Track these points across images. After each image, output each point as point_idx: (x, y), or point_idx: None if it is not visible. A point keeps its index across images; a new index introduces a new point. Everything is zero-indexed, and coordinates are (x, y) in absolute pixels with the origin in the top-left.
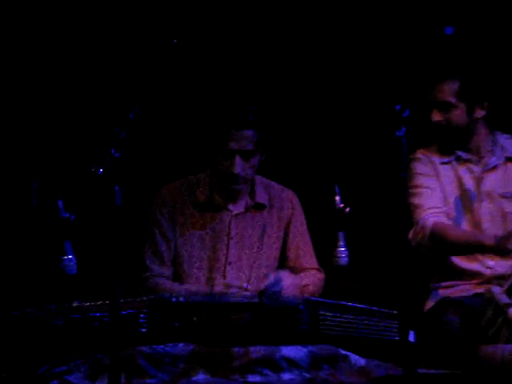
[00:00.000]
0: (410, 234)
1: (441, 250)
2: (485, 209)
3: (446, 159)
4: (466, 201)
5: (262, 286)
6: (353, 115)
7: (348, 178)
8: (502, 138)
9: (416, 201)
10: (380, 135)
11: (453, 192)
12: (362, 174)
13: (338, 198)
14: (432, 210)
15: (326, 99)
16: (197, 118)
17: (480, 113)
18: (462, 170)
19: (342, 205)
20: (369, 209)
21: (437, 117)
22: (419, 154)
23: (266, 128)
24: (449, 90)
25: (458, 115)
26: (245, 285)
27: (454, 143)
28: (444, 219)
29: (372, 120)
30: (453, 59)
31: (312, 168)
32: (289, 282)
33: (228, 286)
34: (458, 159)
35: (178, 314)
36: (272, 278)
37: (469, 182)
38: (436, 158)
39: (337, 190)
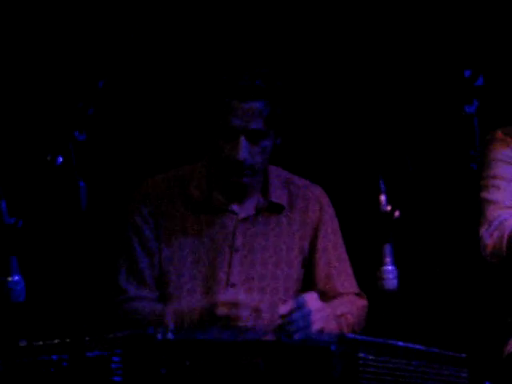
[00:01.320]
0: (481, 238)
1: None
2: None
3: None
4: None
5: (277, 314)
6: (405, 84)
7: (398, 171)
8: None
9: (491, 196)
10: (443, 111)
11: None
12: (418, 166)
13: (383, 197)
14: None
15: (367, 60)
16: (189, 88)
17: None
18: None
19: (390, 207)
20: (426, 213)
21: None
22: (499, 135)
23: (282, 99)
24: None
25: None
26: (259, 303)
27: None
28: None
29: (432, 91)
30: None
31: (348, 158)
32: (316, 308)
33: (233, 306)
34: None
35: (164, 357)
36: (292, 303)
37: None
38: None
39: (382, 187)
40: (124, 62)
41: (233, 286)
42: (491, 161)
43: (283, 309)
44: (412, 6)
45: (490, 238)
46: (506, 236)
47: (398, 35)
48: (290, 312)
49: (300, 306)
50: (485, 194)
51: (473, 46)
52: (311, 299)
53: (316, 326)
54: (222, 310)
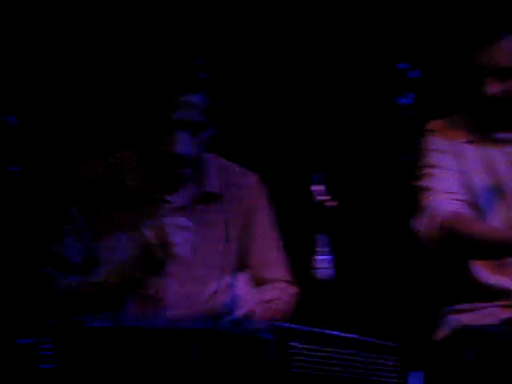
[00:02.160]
0: (413, 220)
1: (454, 246)
2: None
3: (472, 137)
4: (501, 195)
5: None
6: (341, 75)
7: (332, 162)
8: None
9: (425, 183)
10: (379, 103)
11: (483, 181)
12: (352, 157)
13: (318, 187)
14: (447, 195)
15: (303, 51)
16: (126, 76)
17: None
18: (495, 152)
19: (325, 197)
20: (360, 203)
21: (494, 88)
22: (436, 126)
23: (221, 91)
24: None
25: None
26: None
27: (504, 120)
28: (463, 209)
29: (367, 82)
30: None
31: (285, 147)
32: (244, 292)
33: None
34: (490, 139)
35: (95, 345)
36: (227, 298)
37: (504, 169)
38: (459, 134)
39: (316, 177)
40: (61, 49)
41: (167, 275)
42: (427, 151)
43: (218, 307)
44: None
45: (423, 224)
46: (437, 223)
47: (335, 26)
48: (224, 312)
49: (232, 305)
50: (420, 182)
51: (409, 39)
52: (240, 283)
53: (243, 310)
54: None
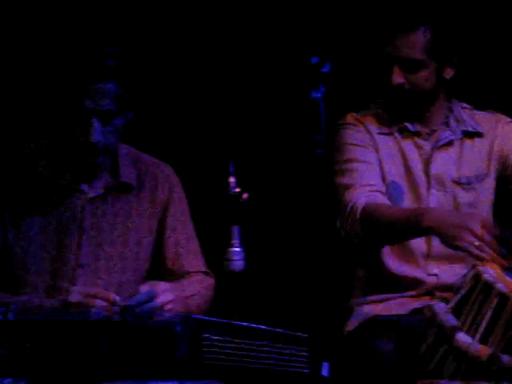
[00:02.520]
0: (338, 221)
1: (374, 235)
2: (434, 198)
3: (385, 129)
4: (410, 185)
5: (131, 301)
6: (254, 68)
7: (246, 154)
8: (459, 107)
9: (346, 180)
10: (291, 96)
11: (395, 172)
12: (265, 149)
13: (232, 179)
14: (366, 188)
15: (216, 43)
16: (38, 63)
17: (449, 73)
18: (407, 144)
19: (238, 189)
20: (273, 196)
21: (398, 78)
22: (351, 119)
23: (133, 78)
24: (418, 44)
25: (426, 76)
26: (115, 297)
27: (409, 112)
28: (380, 198)
29: (280, 76)
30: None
31: (199, 139)
32: (168, 297)
33: (88, 296)
34: (402, 130)
35: (3, 338)
36: (145, 290)
37: (416, 162)
38: (373, 127)
39: (231, 169)
40: None
41: (81, 266)
42: (344, 145)
43: (133, 299)
44: None
45: (346, 221)
46: (357, 217)
47: (248, 21)
48: (140, 303)
49: (151, 293)
50: (340, 179)
51: (320, 33)
52: (162, 286)
53: (159, 300)
54: (75, 296)
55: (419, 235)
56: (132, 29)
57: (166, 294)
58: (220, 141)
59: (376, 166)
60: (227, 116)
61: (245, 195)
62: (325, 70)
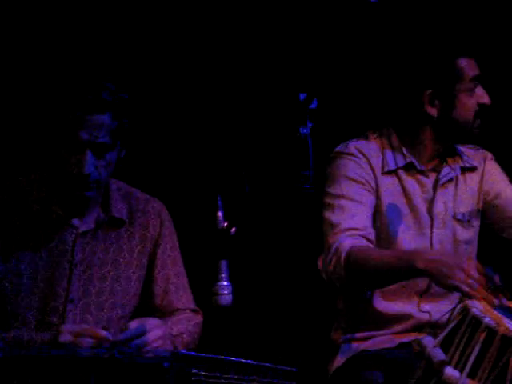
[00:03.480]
0: (320, 262)
1: (359, 278)
2: (436, 236)
3: (391, 166)
4: (415, 225)
5: (120, 336)
6: (243, 105)
7: (235, 189)
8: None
9: (334, 218)
10: (278, 132)
11: (397, 211)
12: (254, 185)
13: (220, 213)
14: (353, 232)
15: (209, 77)
16: (32, 94)
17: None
18: (410, 183)
19: (226, 223)
20: (262, 231)
21: (486, 98)
22: (353, 150)
23: (128, 113)
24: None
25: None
26: (106, 334)
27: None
28: (365, 243)
29: (269, 112)
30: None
31: (187, 174)
32: (158, 334)
33: (78, 335)
34: (408, 168)
35: None
36: (134, 326)
37: (419, 201)
38: (376, 163)
39: (219, 203)
40: None
41: (71, 301)
42: (341, 177)
43: (123, 335)
44: (252, 29)
45: (328, 263)
46: (342, 260)
47: (236, 58)
48: (130, 339)
49: (140, 329)
50: (328, 214)
51: (307, 70)
52: (152, 322)
53: (148, 338)
54: (65, 337)
55: (410, 277)
56: (129, 63)
57: (155, 331)
58: (208, 176)
59: (369, 208)
60: (215, 151)
61: (233, 229)
62: (312, 106)
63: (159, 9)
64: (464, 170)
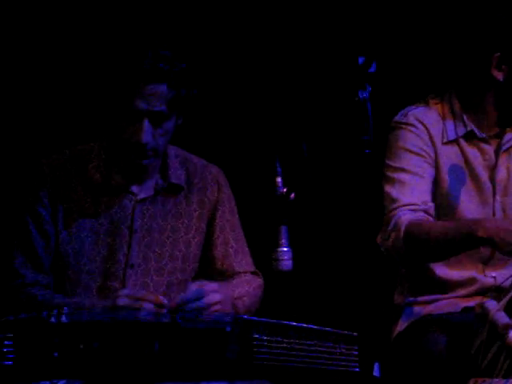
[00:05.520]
0: (379, 237)
1: (419, 251)
2: (498, 204)
3: (451, 135)
4: (477, 193)
5: (178, 299)
6: (300, 69)
7: (294, 153)
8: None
9: (395, 192)
10: (337, 96)
11: (459, 181)
12: (313, 149)
13: (279, 179)
14: (411, 207)
15: (265, 46)
16: (90, 67)
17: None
18: (471, 151)
19: (285, 189)
20: (321, 196)
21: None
22: (412, 119)
23: (185, 82)
24: None
25: None
26: (162, 299)
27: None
28: (426, 217)
29: (325, 76)
30: None
31: (246, 139)
32: (215, 298)
33: (136, 299)
34: (469, 136)
35: (57, 340)
36: (193, 289)
37: (481, 170)
38: (436, 132)
39: (278, 168)
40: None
41: (131, 267)
42: (400, 149)
43: (180, 298)
44: None
45: (388, 238)
46: (401, 235)
47: (295, 23)
48: (189, 297)
49: (199, 292)
50: (388, 188)
51: (365, 34)
52: (211, 286)
53: (209, 299)
54: (123, 301)
55: (472, 247)
56: (184, 32)
57: (213, 295)
58: (267, 141)
59: (429, 182)
60: (274, 116)
61: (292, 195)
62: (371, 69)
63: None
64: None
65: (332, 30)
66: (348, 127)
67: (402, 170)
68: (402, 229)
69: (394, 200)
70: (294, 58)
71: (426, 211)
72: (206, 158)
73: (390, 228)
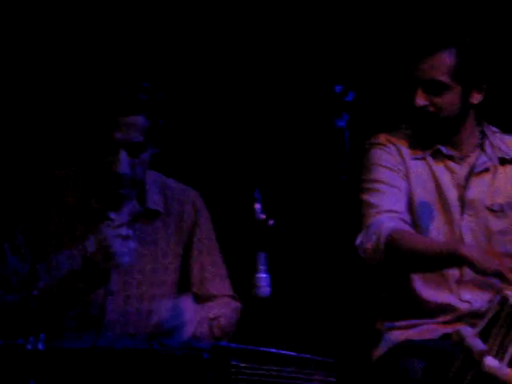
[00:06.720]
0: (358, 240)
1: (399, 262)
2: (466, 223)
3: (419, 153)
4: (443, 210)
5: (154, 320)
6: (280, 98)
7: (272, 180)
8: (490, 131)
9: (372, 199)
10: (315, 125)
11: (426, 196)
12: (291, 176)
13: (258, 205)
14: (391, 214)
15: (244, 77)
16: (69, 95)
17: (477, 98)
18: (439, 168)
19: (264, 216)
20: (298, 222)
21: (422, 100)
22: (383, 140)
23: (163, 112)
24: (442, 66)
25: (451, 100)
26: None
27: (437, 136)
28: (404, 226)
29: (304, 105)
30: (444, 23)
31: (225, 165)
32: (192, 315)
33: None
34: (436, 154)
35: (34, 368)
36: (167, 307)
37: (449, 187)
38: (405, 150)
39: (257, 195)
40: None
41: (111, 294)
42: (373, 165)
43: (158, 313)
44: (289, 20)
45: (368, 241)
46: (382, 239)
47: (272, 51)
48: (164, 318)
49: (175, 310)
50: (366, 197)
51: (343, 62)
52: (186, 302)
53: (188, 329)
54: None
55: (452, 265)
56: (162, 64)
57: (188, 305)
58: (246, 167)
59: (403, 193)
60: (253, 143)
61: (270, 221)
62: (348, 98)
63: (194, 9)
64: (504, 161)
65: (309, 58)
66: (325, 155)
67: (378, 181)
68: (385, 234)
69: (373, 206)
70: (272, 86)
71: (403, 220)
72: (185, 183)
73: (370, 232)
